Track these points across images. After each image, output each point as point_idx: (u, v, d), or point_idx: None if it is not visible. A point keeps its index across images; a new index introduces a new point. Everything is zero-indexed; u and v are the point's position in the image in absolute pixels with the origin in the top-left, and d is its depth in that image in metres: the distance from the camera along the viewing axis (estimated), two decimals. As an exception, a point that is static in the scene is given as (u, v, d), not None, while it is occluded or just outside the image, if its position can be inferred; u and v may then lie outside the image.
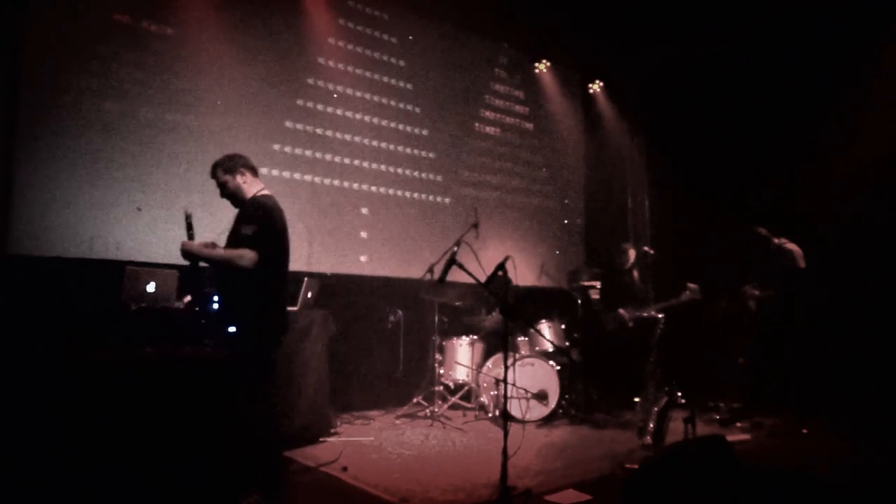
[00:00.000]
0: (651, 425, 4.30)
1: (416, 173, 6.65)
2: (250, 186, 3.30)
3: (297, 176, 5.84)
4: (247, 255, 3.03)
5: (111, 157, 4.93)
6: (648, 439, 4.30)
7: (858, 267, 5.65)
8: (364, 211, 6.29)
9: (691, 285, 5.48)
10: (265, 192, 3.33)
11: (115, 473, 2.65)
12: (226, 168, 3.25)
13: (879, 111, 5.66)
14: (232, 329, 3.00)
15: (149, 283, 3.89)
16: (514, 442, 3.65)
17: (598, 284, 6.26)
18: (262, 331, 3.13)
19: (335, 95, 6.13)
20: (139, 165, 5.04)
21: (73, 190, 4.75)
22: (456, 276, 5.73)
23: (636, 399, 5.36)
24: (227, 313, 3.17)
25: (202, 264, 3.19)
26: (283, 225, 3.28)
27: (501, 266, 3.47)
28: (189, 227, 3.17)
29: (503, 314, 3.40)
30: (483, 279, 3.56)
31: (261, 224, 3.11)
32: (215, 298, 4.18)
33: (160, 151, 5.15)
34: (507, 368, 3.77)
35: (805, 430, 5.01)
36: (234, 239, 3.14)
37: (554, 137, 7.89)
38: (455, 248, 3.53)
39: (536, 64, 7.58)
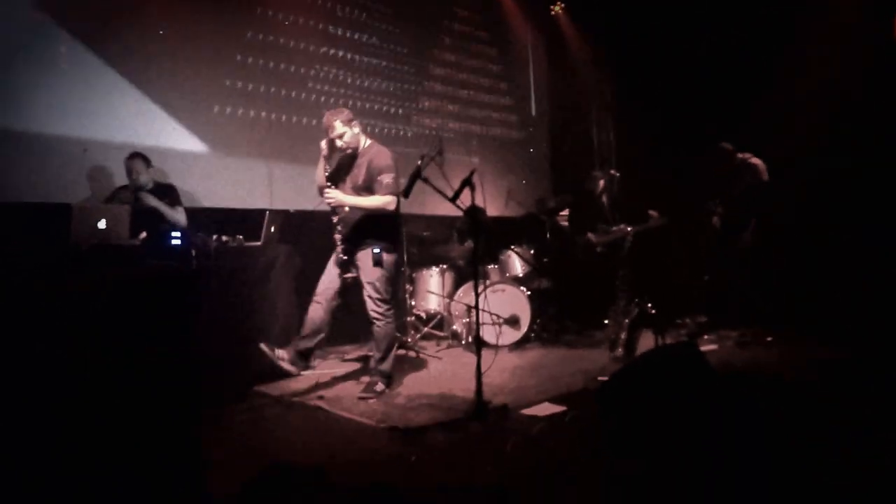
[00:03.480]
0: (623, 337, 4.35)
1: (375, 105, 6.43)
2: (364, 137, 3.97)
3: (252, 112, 5.57)
4: (393, 202, 3.81)
5: (55, 96, 4.61)
6: (620, 351, 4.36)
7: (820, 183, 5.72)
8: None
9: (652, 213, 5.47)
10: (370, 140, 4.02)
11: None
12: (344, 121, 3.85)
13: (833, 35, 5.65)
14: (377, 250, 3.84)
15: (99, 220, 3.68)
16: (488, 364, 3.66)
17: (566, 211, 6.24)
18: (395, 245, 4.03)
19: (286, 23, 5.80)
20: (84, 104, 4.73)
21: (15, 131, 4.45)
22: (423, 207, 5.67)
23: (606, 321, 5.43)
24: (366, 237, 3.88)
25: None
26: None
27: (468, 181, 3.38)
28: (329, 177, 3.81)
29: (471, 225, 3.34)
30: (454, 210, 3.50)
31: (396, 172, 3.84)
32: (174, 234, 4.04)
33: (106, 88, 4.84)
34: (477, 294, 3.74)
35: (770, 339, 5.16)
36: (371, 184, 3.81)
37: (516, 63, 7.69)
38: (419, 163, 3.42)
39: (496, -14, 7.32)
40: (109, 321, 1.75)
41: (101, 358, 1.73)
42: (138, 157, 4.60)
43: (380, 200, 3.80)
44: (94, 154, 4.76)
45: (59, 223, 3.93)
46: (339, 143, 3.86)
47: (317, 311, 4.01)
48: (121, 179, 4.74)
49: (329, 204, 3.83)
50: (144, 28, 5.00)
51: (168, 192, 4.68)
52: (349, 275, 3.95)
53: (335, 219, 3.90)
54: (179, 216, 4.61)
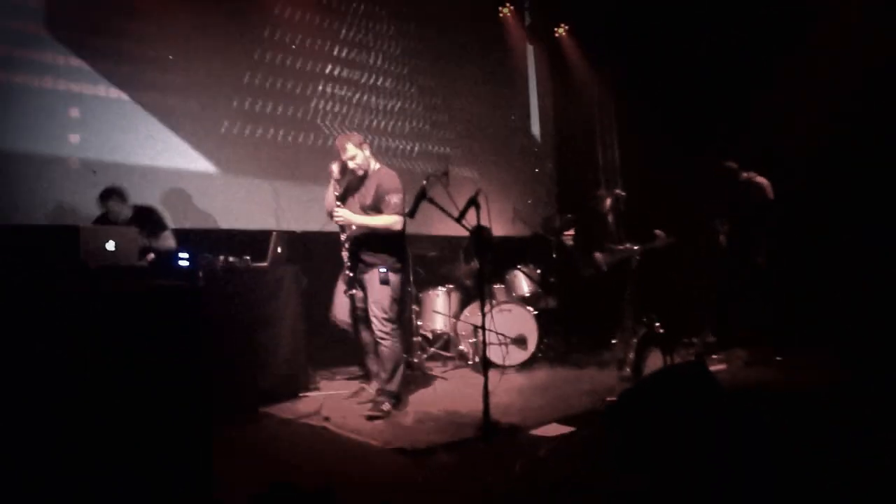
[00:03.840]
0: (630, 357, 4.32)
1: (381, 124, 6.49)
2: (373, 160, 4.05)
3: (259, 132, 5.64)
4: (400, 222, 3.90)
5: (65, 120, 4.68)
6: (628, 371, 4.32)
7: (828, 197, 5.71)
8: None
9: (658, 232, 5.46)
10: (378, 163, 4.12)
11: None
12: (356, 143, 3.95)
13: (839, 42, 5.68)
14: (383, 269, 3.91)
15: (107, 241, 3.71)
16: (495, 384, 3.64)
17: (571, 231, 6.23)
18: (402, 264, 4.07)
19: (293, 45, 5.90)
20: (94, 127, 4.80)
21: (21, 149, 4.50)
22: (429, 227, 5.68)
23: (614, 340, 5.39)
24: (373, 257, 3.97)
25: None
26: None
27: (474, 200, 3.39)
28: (339, 197, 3.90)
29: (477, 244, 3.34)
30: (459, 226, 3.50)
31: (403, 194, 3.93)
32: (181, 255, 4.07)
33: (115, 111, 4.90)
34: (484, 314, 3.73)
35: (779, 358, 5.11)
36: (379, 205, 3.90)
37: (520, 83, 7.76)
38: (424, 183, 3.45)
39: (500, 8, 7.40)
40: (116, 337, 1.76)
41: (108, 373, 1.74)
42: (113, 195, 4.40)
43: (387, 220, 3.91)
44: (103, 176, 4.81)
45: (67, 245, 3.97)
46: (351, 164, 3.96)
47: (364, 332, 4.15)
48: (133, 200, 4.78)
49: (338, 223, 3.91)
50: (154, 52, 5.09)
51: (149, 218, 4.48)
52: (354, 292, 4.01)
53: (343, 237, 3.97)
54: (167, 242, 4.46)
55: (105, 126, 4.84)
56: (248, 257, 4.42)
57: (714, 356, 5.31)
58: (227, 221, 5.35)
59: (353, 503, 2.26)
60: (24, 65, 4.54)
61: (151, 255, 4.00)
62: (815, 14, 5.90)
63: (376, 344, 4.02)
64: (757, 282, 5.35)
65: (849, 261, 5.51)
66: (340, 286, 4.12)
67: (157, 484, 1.76)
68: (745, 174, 5.47)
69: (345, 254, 3.96)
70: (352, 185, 4.10)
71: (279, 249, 4.58)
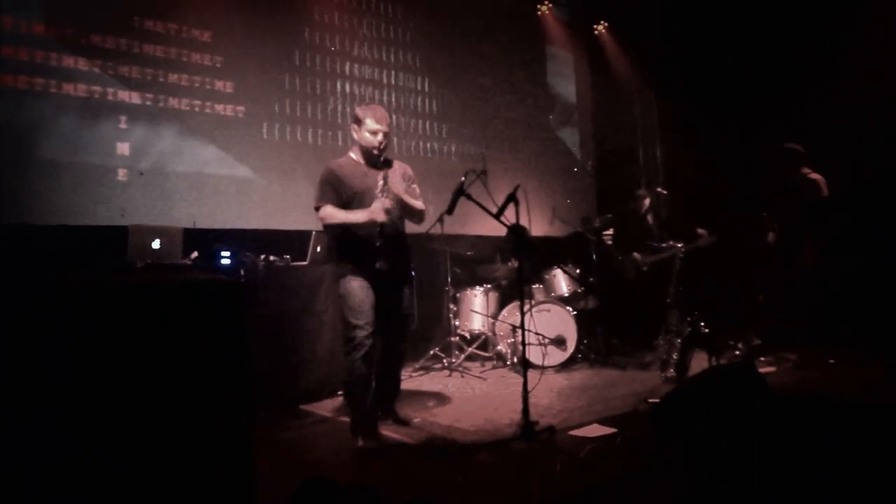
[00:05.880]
0: (674, 357, 4.20)
1: (420, 125, 6.50)
2: None
3: (298, 134, 5.71)
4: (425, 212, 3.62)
5: (110, 119, 4.82)
6: (672, 371, 4.21)
7: (882, 195, 5.48)
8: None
9: (701, 231, 5.32)
10: None
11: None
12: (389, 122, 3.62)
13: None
14: (412, 272, 3.69)
15: (154, 240, 3.81)
16: (534, 385, 3.58)
17: (611, 231, 6.14)
18: None
19: (333, 48, 5.96)
20: (138, 128, 4.93)
21: (73, 155, 4.65)
22: (465, 227, 5.66)
23: (657, 341, 5.27)
24: (405, 255, 3.62)
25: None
26: None
27: (513, 196, 3.35)
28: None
29: (515, 242, 3.29)
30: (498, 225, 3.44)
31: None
32: (224, 254, 4.14)
33: (158, 114, 5.03)
34: (523, 314, 3.67)
35: (832, 361, 4.91)
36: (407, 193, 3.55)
37: (560, 82, 7.68)
38: (462, 179, 3.39)
39: (538, 6, 7.34)
40: (158, 330, 1.77)
41: (150, 368, 1.76)
42: None
43: (422, 205, 3.56)
44: (150, 178, 4.93)
45: (115, 244, 4.09)
46: (382, 139, 3.42)
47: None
48: (178, 202, 4.89)
49: (386, 195, 3.30)
50: (198, 57, 5.19)
51: None
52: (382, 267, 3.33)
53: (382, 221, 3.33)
54: None
55: (150, 134, 4.95)
56: (288, 257, 4.47)
57: (762, 358, 5.14)
58: (267, 222, 5.42)
59: (391, 500, 2.25)
60: (73, 75, 4.67)
61: (195, 254, 4.08)
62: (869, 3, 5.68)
63: (399, 355, 3.68)
64: (806, 282, 5.16)
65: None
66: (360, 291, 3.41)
67: (199, 479, 1.78)
68: (801, 170, 5.28)
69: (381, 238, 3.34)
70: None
71: (318, 249, 4.62)
